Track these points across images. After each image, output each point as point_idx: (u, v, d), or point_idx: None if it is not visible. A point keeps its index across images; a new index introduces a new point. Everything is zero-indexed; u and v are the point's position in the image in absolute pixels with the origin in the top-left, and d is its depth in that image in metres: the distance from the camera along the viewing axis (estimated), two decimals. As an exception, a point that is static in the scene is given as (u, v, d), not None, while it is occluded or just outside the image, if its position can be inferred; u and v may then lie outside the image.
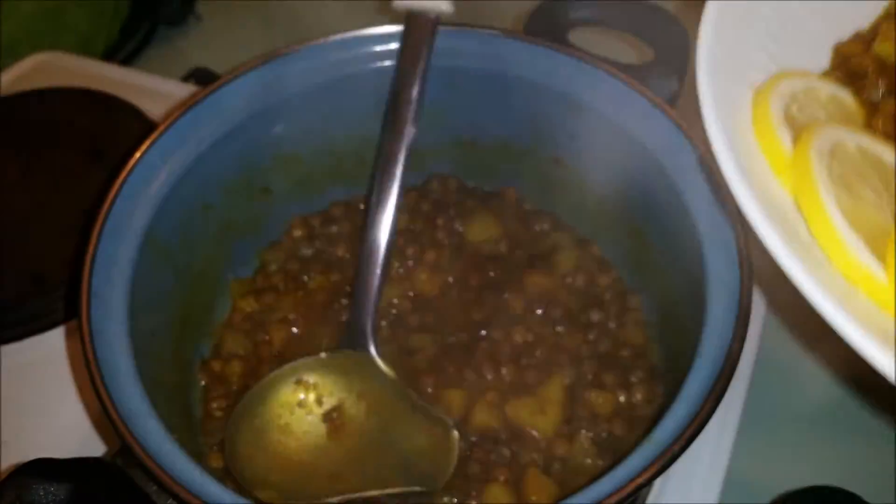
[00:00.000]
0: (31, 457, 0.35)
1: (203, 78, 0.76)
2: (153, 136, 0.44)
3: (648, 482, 0.33)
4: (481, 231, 0.55)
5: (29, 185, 0.62)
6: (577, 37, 0.52)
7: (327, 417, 0.45)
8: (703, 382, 0.36)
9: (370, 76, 0.50)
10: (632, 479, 0.33)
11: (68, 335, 0.54)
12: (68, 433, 0.49)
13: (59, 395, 0.51)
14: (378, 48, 0.50)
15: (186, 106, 0.46)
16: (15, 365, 0.53)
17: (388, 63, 0.50)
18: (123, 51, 0.89)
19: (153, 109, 0.68)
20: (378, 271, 0.46)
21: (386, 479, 0.43)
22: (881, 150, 0.34)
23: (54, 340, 0.54)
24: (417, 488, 0.43)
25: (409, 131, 0.46)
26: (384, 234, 0.46)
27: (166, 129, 0.45)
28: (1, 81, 0.74)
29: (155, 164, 0.44)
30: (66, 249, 0.57)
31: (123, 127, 0.66)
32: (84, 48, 0.86)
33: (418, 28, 0.46)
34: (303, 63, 0.49)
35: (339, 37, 0.49)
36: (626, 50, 0.75)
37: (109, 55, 0.88)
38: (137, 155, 0.43)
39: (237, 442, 0.43)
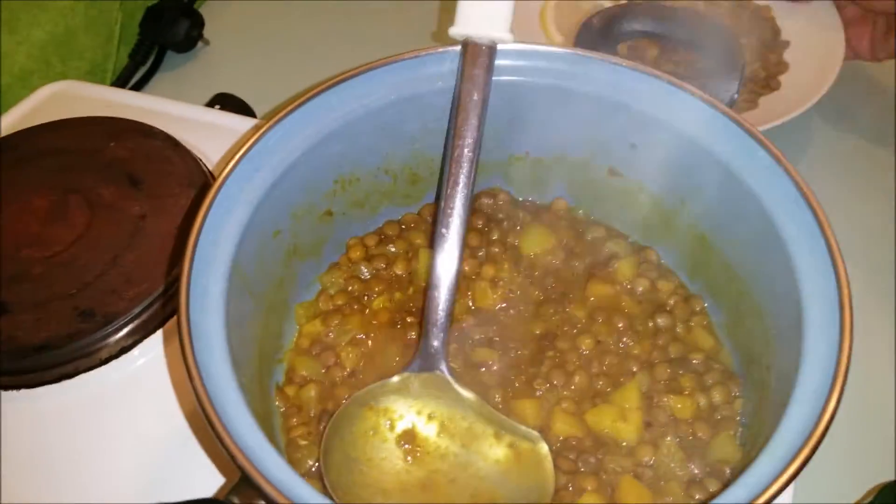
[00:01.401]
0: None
1: (227, 103, 0.76)
2: (230, 165, 0.44)
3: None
4: (536, 243, 0.55)
5: (67, 218, 0.61)
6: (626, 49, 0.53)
7: (408, 442, 0.45)
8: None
9: (427, 97, 0.50)
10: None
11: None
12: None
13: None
14: (434, 69, 0.50)
15: (258, 135, 0.45)
16: (53, 407, 0.52)
17: (442, 84, 0.50)
18: (133, 78, 0.88)
19: (181, 135, 0.68)
20: (448, 295, 0.46)
21: (484, 497, 0.43)
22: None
23: (105, 376, 0.54)
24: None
25: (472, 157, 0.47)
26: (453, 261, 0.46)
27: (242, 158, 0.44)
28: (17, 113, 0.73)
29: (234, 195, 0.43)
30: (113, 281, 0.57)
31: (157, 153, 0.65)
32: (94, 76, 0.85)
33: (477, 56, 0.47)
34: (364, 86, 0.49)
35: (398, 59, 0.49)
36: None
37: (119, 83, 0.87)
38: (216, 185, 0.43)
39: (332, 478, 0.42)
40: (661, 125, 0.48)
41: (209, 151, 0.68)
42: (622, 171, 0.53)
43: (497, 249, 0.55)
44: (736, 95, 0.49)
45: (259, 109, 0.79)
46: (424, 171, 0.55)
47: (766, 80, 0.72)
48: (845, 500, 0.52)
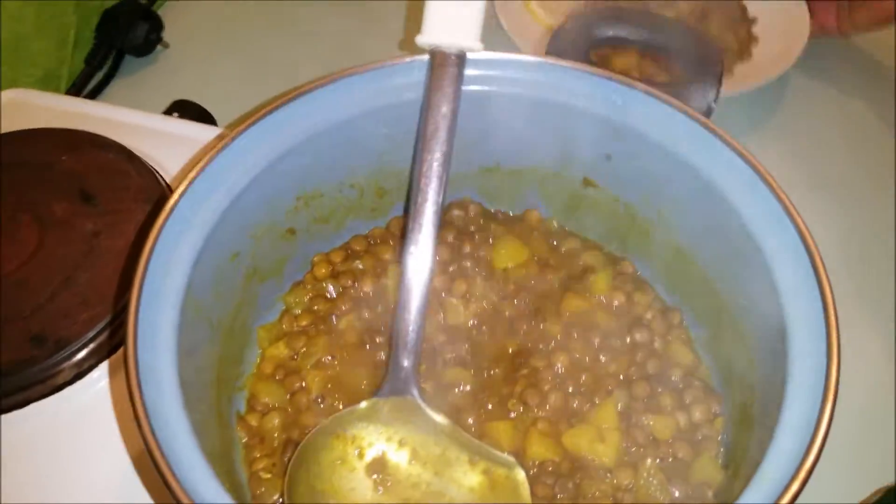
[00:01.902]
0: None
1: (186, 110, 0.73)
2: (182, 187, 0.41)
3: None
4: (509, 257, 0.53)
5: (17, 237, 0.58)
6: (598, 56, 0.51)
7: (378, 472, 0.43)
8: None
9: (394, 108, 0.48)
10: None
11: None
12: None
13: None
14: (401, 80, 0.47)
15: (213, 153, 0.43)
16: (16, 435, 0.49)
17: (410, 95, 0.48)
18: (89, 84, 0.85)
19: (138, 146, 0.65)
20: (418, 313, 0.44)
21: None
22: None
23: (63, 403, 0.51)
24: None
25: (441, 171, 0.44)
26: (423, 277, 0.44)
27: (195, 178, 0.42)
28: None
29: (186, 218, 0.41)
30: (66, 303, 0.54)
31: (111, 166, 0.62)
32: (47, 83, 0.82)
33: (445, 66, 0.44)
34: (326, 99, 0.46)
35: (363, 70, 0.47)
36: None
37: (74, 89, 0.83)
38: (167, 209, 0.40)
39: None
40: (635, 135, 0.46)
41: (167, 162, 0.65)
42: (597, 182, 0.51)
43: (469, 264, 0.53)
44: (714, 104, 0.47)
45: (220, 115, 0.76)
46: (392, 184, 0.53)
47: (738, 51, 0.79)
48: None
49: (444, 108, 0.45)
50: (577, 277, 0.52)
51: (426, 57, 0.47)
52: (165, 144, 0.67)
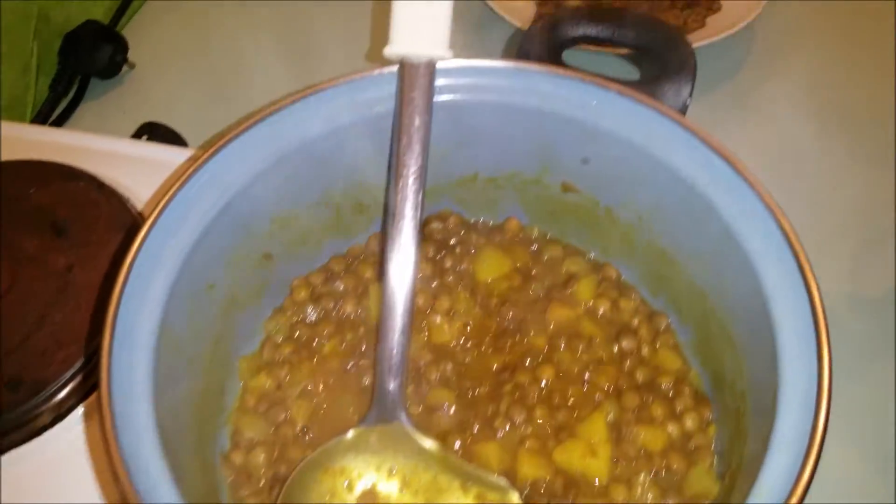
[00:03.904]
0: None
1: (155, 133, 0.71)
2: (149, 221, 0.40)
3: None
4: (491, 268, 0.52)
5: (-14, 275, 0.56)
6: (572, 56, 0.50)
7: (369, 502, 0.42)
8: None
9: (365, 123, 0.47)
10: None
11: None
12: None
13: None
14: (370, 94, 0.46)
15: (180, 182, 0.41)
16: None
17: (380, 109, 0.46)
18: (56, 110, 0.83)
19: (108, 172, 0.64)
20: (402, 334, 0.43)
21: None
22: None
23: (46, 447, 0.49)
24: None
25: (417, 186, 0.43)
26: (404, 297, 0.43)
27: (163, 210, 0.40)
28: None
29: (157, 253, 0.39)
30: (42, 344, 0.52)
31: (81, 197, 0.61)
32: (12, 111, 0.80)
33: (415, 78, 0.43)
34: (295, 117, 0.45)
35: (330, 86, 0.46)
36: (623, 65, 0.74)
37: (41, 116, 0.82)
38: (136, 245, 0.39)
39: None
40: (612, 138, 0.45)
41: (138, 188, 0.64)
42: (576, 186, 0.50)
43: (451, 279, 0.52)
44: (689, 101, 0.46)
45: (191, 135, 0.74)
46: (369, 199, 0.51)
47: (708, 2, 0.82)
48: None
49: (417, 121, 0.44)
50: (561, 286, 0.51)
51: (395, 68, 0.46)
52: (136, 169, 0.66)
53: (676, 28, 0.48)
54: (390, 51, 0.44)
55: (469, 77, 0.47)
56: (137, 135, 0.72)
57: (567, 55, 0.51)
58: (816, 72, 0.82)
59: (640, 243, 0.49)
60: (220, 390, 0.46)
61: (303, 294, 0.51)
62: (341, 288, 0.52)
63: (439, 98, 0.46)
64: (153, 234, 0.40)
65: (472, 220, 0.55)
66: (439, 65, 0.45)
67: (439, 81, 0.45)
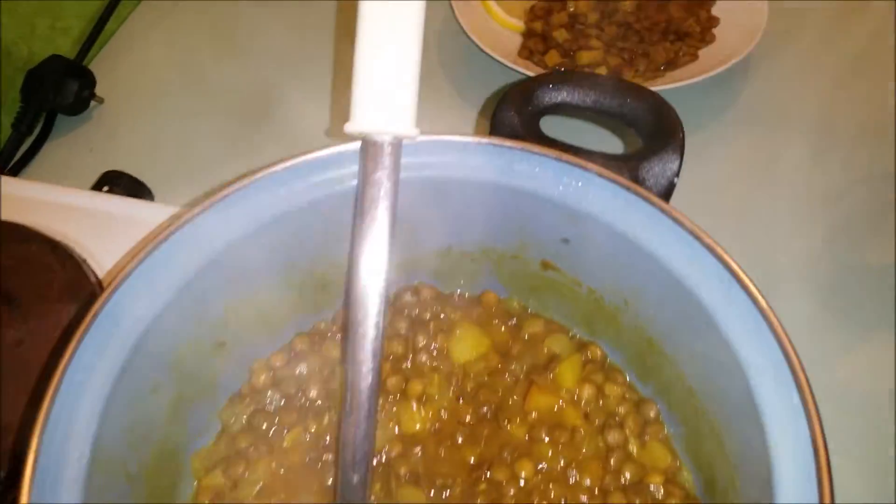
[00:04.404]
0: None
1: (116, 183, 0.68)
2: (80, 329, 0.36)
3: None
4: (468, 348, 0.48)
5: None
6: (550, 122, 0.46)
7: None
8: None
9: (326, 202, 0.43)
10: None
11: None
12: None
13: None
14: (331, 173, 0.43)
15: (117, 281, 0.38)
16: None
17: (341, 187, 0.43)
18: (21, 148, 0.79)
19: (66, 229, 0.60)
20: (366, 421, 0.39)
21: None
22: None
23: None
24: None
25: (383, 288, 0.40)
26: (367, 384, 0.39)
27: (98, 312, 0.37)
28: None
29: (90, 363, 0.36)
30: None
31: (35, 260, 0.57)
32: (-27, 152, 0.76)
33: (378, 157, 0.39)
34: (249, 201, 0.42)
35: (286, 167, 0.42)
36: (605, 134, 0.71)
37: (3, 157, 0.78)
38: (67, 355, 0.35)
39: None
40: (593, 221, 0.42)
41: (97, 246, 0.61)
42: (557, 265, 0.47)
43: (424, 358, 0.48)
44: (677, 178, 0.43)
45: (156, 179, 0.71)
46: (336, 274, 0.48)
47: (701, 34, 0.79)
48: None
49: (380, 204, 0.40)
50: (542, 367, 0.48)
51: (357, 145, 0.42)
52: (96, 225, 0.62)
53: (663, 100, 0.44)
54: (352, 127, 0.41)
55: (438, 154, 0.43)
56: (99, 185, 0.68)
57: (546, 119, 0.47)
58: (813, 107, 0.78)
59: (626, 326, 0.46)
60: (171, 490, 0.43)
61: (262, 378, 0.47)
62: (305, 370, 0.48)
63: (406, 175, 0.42)
64: (84, 346, 0.37)
65: (447, 293, 0.51)
66: (406, 141, 0.41)
67: (407, 158, 0.42)
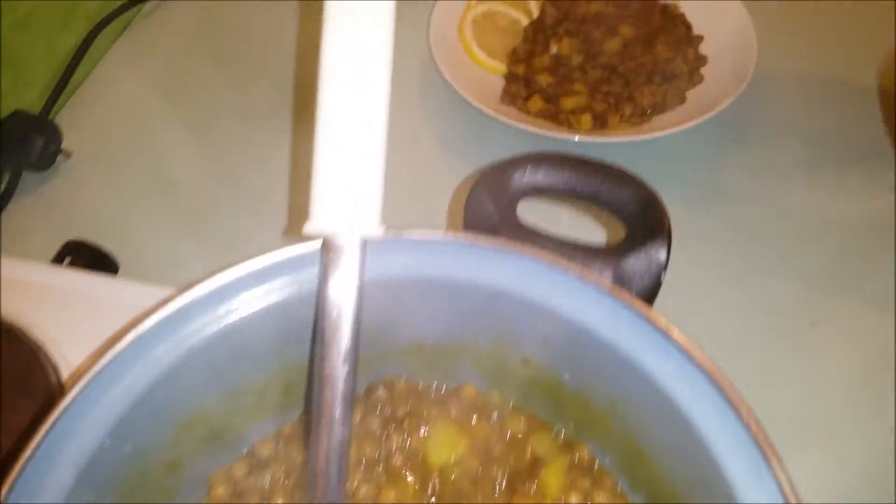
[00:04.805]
0: None
1: (78, 254, 0.64)
2: (9, 482, 0.33)
3: None
4: (445, 449, 0.45)
5: None
6: (528, 207, 0.43)
7: None
8: None
9: (284, 307, 0.40)
10: None
11: None
12: None
13: None
14: (288, 277, 0.39)
15: (54, 417, 0.34)
16: None
17: (300, 290, 0.39)
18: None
19: (22, 308, 0.57)
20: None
21: None
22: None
23: None
24: None
25: (345, 382, 0.36)
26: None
27: (45, 437, 0.33)
28: None
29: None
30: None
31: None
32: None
33: (340, 259, 0.36)
34: (197, 313, 0.38)
35: (236, 275, 0.39)
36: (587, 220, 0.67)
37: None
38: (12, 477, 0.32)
39: None
40: (575, 326, 0.38)
41: (57, 328, 0.57)
42: (538, 364, 0.43)
43: (398, 461, 0.45)
44: (664, 272, 0.39)
45: (123, 248, 0.67)
46: (297, 378, 0.44)
47: (689, 75, 0.75)
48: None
49: (342, 311, 0.37)
50: (525, 473, 0.44)
51: (317, 245, 0.39)
52: (55, 304, 0.59)
53: (648, 190, 0.41)
54: (312, 228, 0.37)
55: (407, 253, 0.40)
56: (60, 256, 0.65)
57: (524, 204, 0.44)
58: (808, 152, 0.75)
59: (615, 430, 0.42)
60: None
61: (220, 491, 0.44)
62: (269, 479, 0.44)
63: (372, 275, 0.39)
64: (26, 475, 0.33)
65: (422, 386, 0.48)
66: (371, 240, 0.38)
67: (373, 258, 0.38)
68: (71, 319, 0.58)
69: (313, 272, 0.39)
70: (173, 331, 0.38)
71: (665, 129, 0.69)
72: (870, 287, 0.64)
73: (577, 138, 0.70)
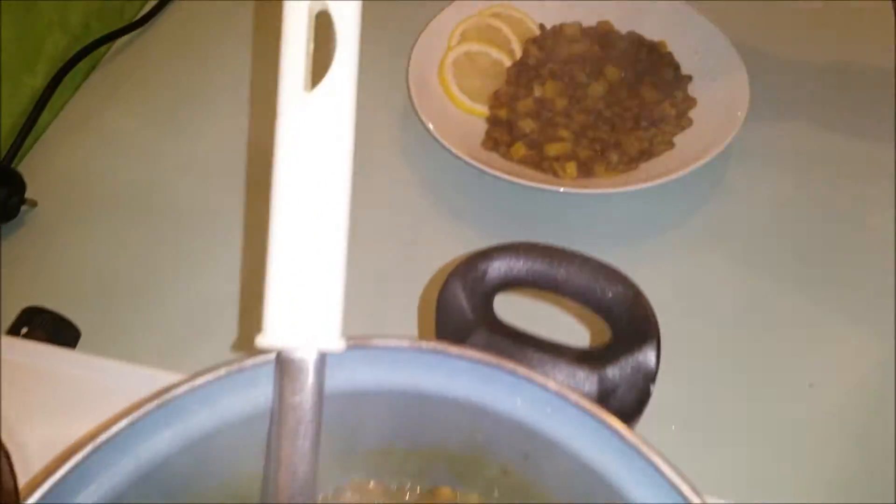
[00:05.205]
0: None
1: (37, 323, 0.61)
2: None
3: None
4: (421, 557, 0.42)
5: None
6: (506, 301, 0.40)
7: None
8: None
9: (229, 431, 0.36)
10: None
11: None
12: None
13: None
14: (239, 395, 0.36)
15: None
16: None
17: (252, 409, 0.36)
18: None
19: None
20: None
21: None
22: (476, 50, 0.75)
23: None
24: None
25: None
26: None
27: None
28: None
29: None
30: None
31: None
32: None
33: (297, 376, 0.33)
34: (136, 437, 0.35)
35: (175, 395, 0.35)
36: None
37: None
38: None
39: None
40: (556, 446, 0.35)
41: (9, 407, 0.54)
42: (518, 474, 0.40)
43: (370, 575, 0.42)
44: (653, 385, 0.36)
45: (86, 310, 0.64)
46: (251, 491, 0.41)
47: (677, 118, 0.72)
48: None
49: (301, 433, 0.34)
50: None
51: (270, 359, 0.36)
52: (10, 379, 0.55)
53: (636, 288, 0.38)
54: (264, 341, 0.34)
55: (373, 363, 0.36)
56: (17, 325, 0.61)
57: (501, 298, 0.40)
58: (801, 196, 0.72)
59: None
60: None
61: None
62: None
63: (334, 387, 0.36)
64: None
65: (395, 488, 0.45)
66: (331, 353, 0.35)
67: (333, 371, 0.35)
68: (26, 396, 0.55)
69: (266, 390, 0.36)
70: (106, 462, 0.34)
71: (653, 179, 0.66)
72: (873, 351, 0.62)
73: (561, 189, 0.66)
